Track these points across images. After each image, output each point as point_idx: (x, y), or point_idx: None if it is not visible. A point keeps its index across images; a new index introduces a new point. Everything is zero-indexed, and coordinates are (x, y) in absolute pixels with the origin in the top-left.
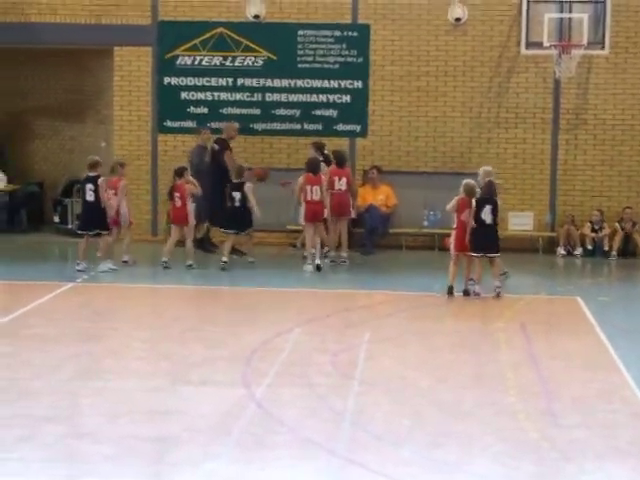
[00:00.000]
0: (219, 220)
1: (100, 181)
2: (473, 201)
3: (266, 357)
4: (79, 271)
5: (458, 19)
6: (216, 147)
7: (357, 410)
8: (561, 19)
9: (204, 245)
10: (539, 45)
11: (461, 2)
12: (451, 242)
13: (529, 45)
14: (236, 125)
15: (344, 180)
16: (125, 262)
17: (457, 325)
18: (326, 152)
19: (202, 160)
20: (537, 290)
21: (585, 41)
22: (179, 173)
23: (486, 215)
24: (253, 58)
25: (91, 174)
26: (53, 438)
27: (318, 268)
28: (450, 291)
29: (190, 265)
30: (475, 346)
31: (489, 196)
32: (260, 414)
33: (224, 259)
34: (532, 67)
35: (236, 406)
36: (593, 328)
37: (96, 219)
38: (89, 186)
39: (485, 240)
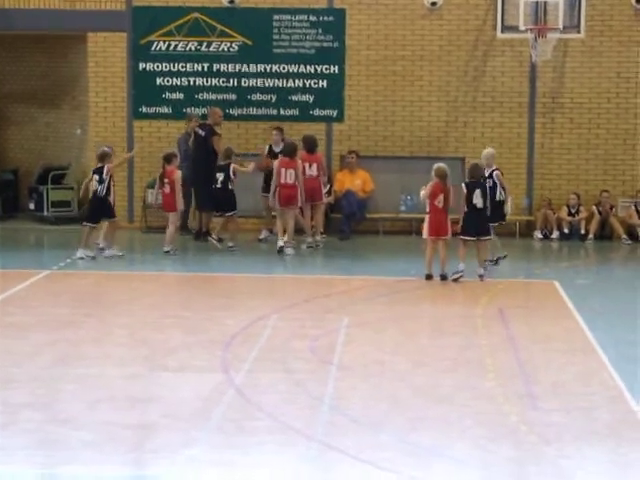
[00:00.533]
0: (206, 204)
1: (107, 169)
2: (463, 185)
3: (245, 343)
4: (82, 258)
5: (434, 3)
6: (202, 133)
7: (335, 395)
8: (537, 3)
9: (200, 236)
10: (515, 29)
11: None
12: (424, 227)
13: (505, 29)
14: (221, 111)
15: (315, 166)
16: (101, 248)
17: (435, 310)
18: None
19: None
20: (515, 274)
21: (561, 25)
22: (168, 159)
23: (477, 199)
24: (228, 43)
25: (99, 165)
26: (32, 425)
27: (280, 250)
28: (428, 278)
29: (167, 251)
30: (453, 331)
31: (477, 180)
32: (239, 400)
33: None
34: (508, 51)
35: (215, 392)
36: (571, 312)
37: (104, 209)
38: (96, 177)
39: (477, 224)
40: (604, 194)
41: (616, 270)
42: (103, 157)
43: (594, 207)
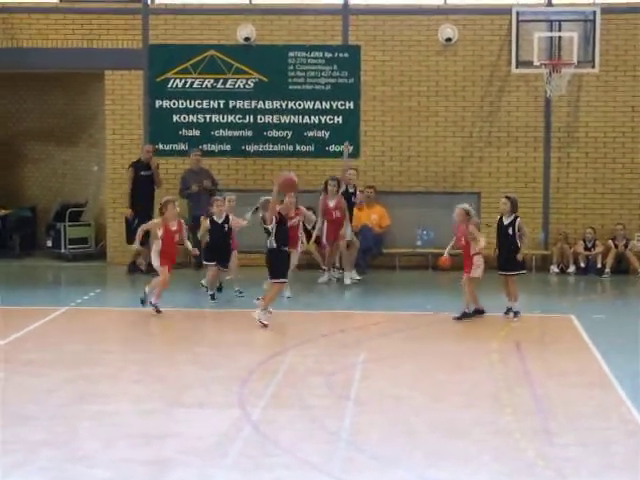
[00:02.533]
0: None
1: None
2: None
3: (261, 379)
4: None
5: (449, 39)
6: (145, 172)
7: (352, 431)
8: (551, 38)
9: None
10: (529, 64)
11: (451, 22)
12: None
13: (519, 64)
14: (150, 147)
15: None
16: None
17: (452, 345)
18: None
19: (188, 184)
20: (531, 308)
21: (575, 59)
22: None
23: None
24: (244, 80)
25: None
26: (49, 463)
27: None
28: (479, 312)
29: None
30: (470, 365)
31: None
32: (256, 436)
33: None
34: (523, 86)
35: (232, 428)
36: (587, 346)
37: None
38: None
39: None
40: (619, 227)
41: (632, 304)
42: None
43: (610, 241)
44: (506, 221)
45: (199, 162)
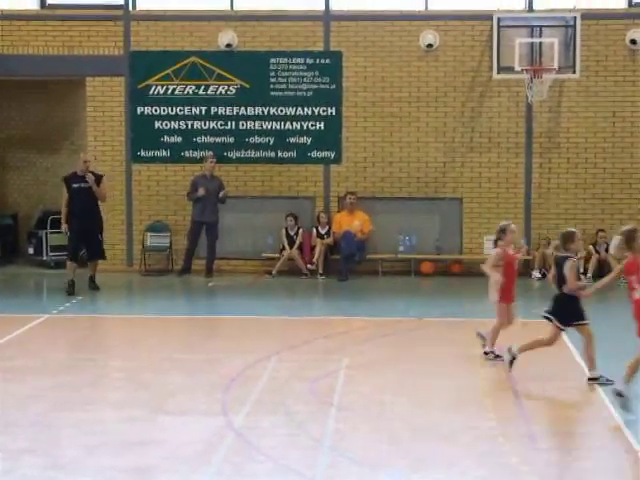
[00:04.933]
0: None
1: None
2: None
3: (244, 385)
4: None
5: (430, 45)
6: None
7: (336, 436)
8: (532, 44)
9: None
10: (511, 69)
11: (432, 28)
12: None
13: (501, 70)
14: (84, 156)
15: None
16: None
17: (435, 350)
18: None
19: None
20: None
21: (556, 65)
22: None
23: None
24: (226, 86)
25: None
26: (31, 470)
27: None
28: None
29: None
30: (453, 371)
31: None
32: (239, 443)
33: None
34: (504, 91)
35: (215, 435)
36: (569, 350)
37: None
38: None
39: None
40: (600, 233)
41: (613, 309)
42: None
43: (591, 247)
44: None
45: (214, 169)
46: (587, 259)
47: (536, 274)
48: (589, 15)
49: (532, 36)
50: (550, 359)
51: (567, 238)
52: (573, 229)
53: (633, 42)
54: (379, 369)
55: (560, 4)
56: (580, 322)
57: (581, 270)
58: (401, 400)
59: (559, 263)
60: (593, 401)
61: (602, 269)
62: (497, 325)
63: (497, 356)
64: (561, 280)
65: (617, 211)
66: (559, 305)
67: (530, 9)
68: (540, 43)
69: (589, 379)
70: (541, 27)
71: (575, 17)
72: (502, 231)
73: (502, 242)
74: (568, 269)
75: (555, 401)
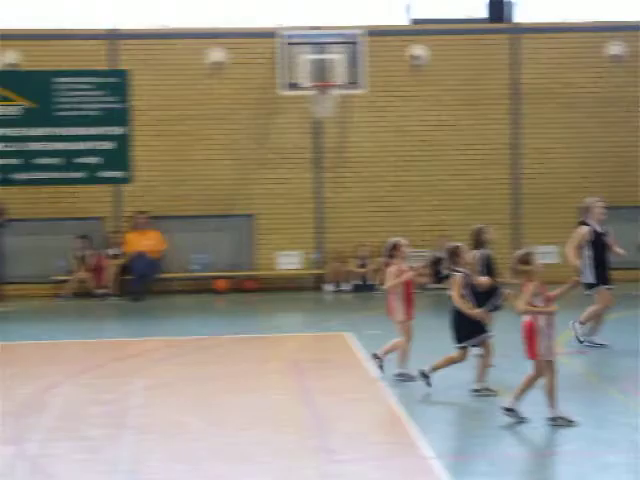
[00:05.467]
0: None
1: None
2: None
3: (38, 412)
4: None
5: (218, 62)
6: None
7: (133, 459)
8: (318, 60)
9: None
10: (298, 86)
11: (220, 46)
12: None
13: (288, 86)
14: None
15: None
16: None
17: (231, 368)
18: None
19: None
20: (308, 328)
21: (342, 81)
22: None
23: None
24: (9, 107)
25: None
26: None
27: None
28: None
29: None
30: (250, 387)
31: None
32: (33, 471)
33: None
34: (293, 108)
35: (7, 465)
36: (364, 362)
37: None
38: None
39: None
40: None
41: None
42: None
43: (382, 258)
44: None
45: None
46: (379, 270)
47: (329, 287)
48: (373, 32)
49: (318, 53)
50: (346, 372)
51: (453, 253)
52: (457, 243)
53: (416, 58)
54: (175, 390)
55: (345, 21)
56: (465, 344)
57: (373, 282)
58: (199, 419)
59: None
60: (388, 411)
61: None
62: (403, 344)
63: (409, 377)
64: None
65: (406, 223)
66: (451, 322)
67: (315, 26)
68: (326, 59)
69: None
70: (327, 44)
71: (359, 34)
72: (394, 248)
73: (396, 259)
74: (452, 286)
75: (350, 413)
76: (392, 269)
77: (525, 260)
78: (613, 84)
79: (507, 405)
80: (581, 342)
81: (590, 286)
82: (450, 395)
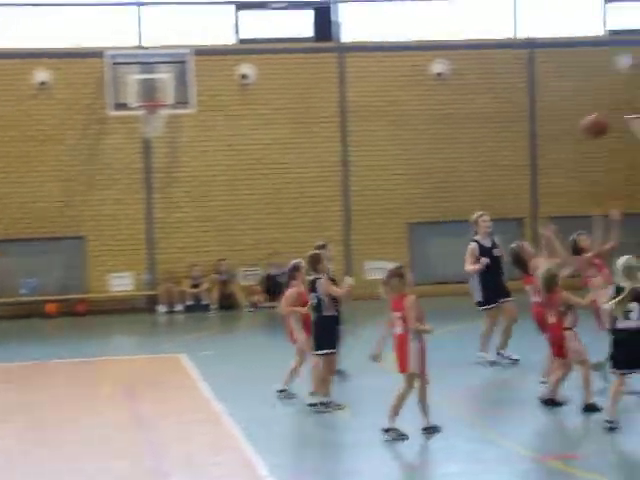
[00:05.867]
0: None
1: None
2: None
3: None
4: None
5: (43, 82)
6: None
7: None
8: (146, 80)
9: None
10: (126, 106)
11: (44, 66)
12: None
13: (117, 106)
14: None
15: None
16: None
17: (63, 393)
18: None
19: None
20: (141, 350)
21: (171, 100)
22: None
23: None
24: None
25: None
26: None
27: None
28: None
29: None
30: (82, 413)
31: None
32: None
33: None
34: (121, 128)
35: None
36: (198, 382)
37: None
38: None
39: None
40: (222, 262)
41: (239, 338)
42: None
43: (215, 275)
44: None
45: None
46: (212, 289)
47: (162, 308)
48: (201, 51)
49: (146, 72)
50: (181, 394)
51: (314, 260)
52: (317, 251)
53: (244, 77)
54: (5, 417)
55: (173, 40)
56: (321, 352)
57: (206, 301)
58: (27, 448)
59: (313, 285)
60: (223, 431)
61: (229, 299)
62: (298, 364)
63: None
64: (320, 303)
65: (237, 242)
66: (314, 329)
67: (141, 46)
68: (154, 79)
69: (315, 403)
70: (154, 63)
71: (187, 53)
72: (294, 269)
73: (295, 281)
74: (322, 286)
75: (186, 435)
76: (292, 292)
77: (400, 274)
78: (438, 102)
79: (386, 426)
80: (509, 358)
81: (480, 304)
82: (288, 411)
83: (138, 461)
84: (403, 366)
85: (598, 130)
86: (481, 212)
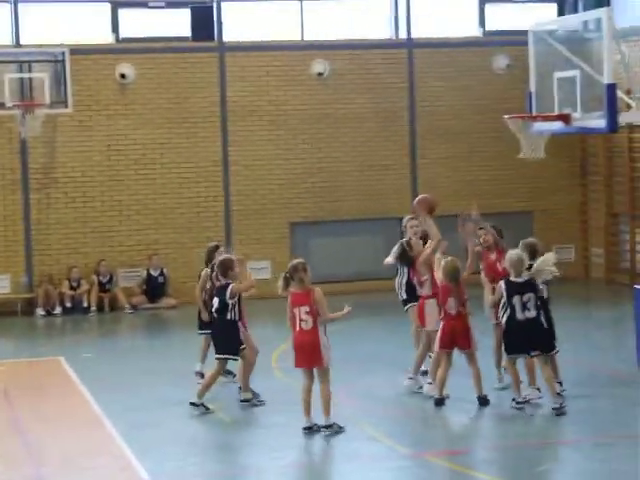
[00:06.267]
0: None
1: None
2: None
3: None
4: None
5: None
6: None
7: None
8: (22, 79)
9: None
10: (2, 105)
11: None
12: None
13: None
14: None
15: None
16: None
17: None
18: None
19: None
20: (18, 354)
21: (47, 100)
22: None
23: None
24: None
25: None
26: None
27: None
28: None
29: None
30: None
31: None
32: None
33: None
34: None
35: None
36: (77, 386)
37: None
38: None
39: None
40: (102, 263)
41: (119, 340)
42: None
43: (94, 277)
44: None
45: None
46: (91, 291)
47: (40, 311)
48: (78, 50)
49: (22, 71)
50: (60, 398)
51: (226, 266)
52: (230, 256)
53: (123, 76)
54: None
55: (49, 39)
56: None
57: (85, 304)
58: None
59: (221, 292)
60: (102, 435)
61: (105, 299)
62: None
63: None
64: (224, 308)
65: (117, 243)
66: (218, 332)
67: (17, 44)
68: (30, 78)
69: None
70: (30, 62)
71: (64, 52)
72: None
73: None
74: (231, 292)
75: (64, 439)
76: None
77: (305, 268)
78: (319, 101)
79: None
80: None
81: (404, 303)
82: (171, 413)
83: (15, 467)
84: (318, 361)
85: (428, 207)
86: (409, 216)
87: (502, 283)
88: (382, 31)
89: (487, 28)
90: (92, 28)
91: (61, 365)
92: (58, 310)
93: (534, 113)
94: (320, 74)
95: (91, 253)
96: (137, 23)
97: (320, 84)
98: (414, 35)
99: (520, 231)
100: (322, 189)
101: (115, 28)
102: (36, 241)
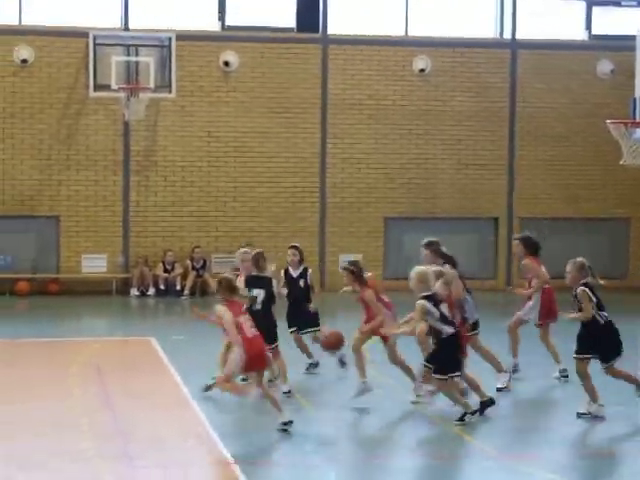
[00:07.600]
0: None
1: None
2: None
3: None
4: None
5: (24, 60)
6: None
7: None
8: (128, 62)
9: None
10: (107, 88)
11: (26, 43)
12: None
13: (97, 88)
14: None
15: None
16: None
17: (27, 373)
18: None
19: None
20: (112, 332)
21: (152, 84)
22: None
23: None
24: None
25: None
26: None
27: None
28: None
29: None
30: (46, 393)
31: None
32: None
33: None
34: (101, 109)
35: None
36: (167, 367)
37: None
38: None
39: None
40: (196, 250)
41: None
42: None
43: (188, 262)
44: (295, 273)
45: None
46: (185, 275)
47: (135, 292)
48: (184, 36)
49: (128, 55)
50: (149, 378)
51: (259, 258)
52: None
53: (226, 64)
54: None
55: (156, 24)
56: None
57: (178, 287)
58: None
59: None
60: (189, 417)
61: (199, 284)
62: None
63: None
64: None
65: (213, 229)
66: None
67: (126, 28)
68: (137, 62)
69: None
70: (137, 46)
71: (170, 37)
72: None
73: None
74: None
75: (153, 419)
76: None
77: (360, 266)
78: (419, 97)
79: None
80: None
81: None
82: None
83: (103, 443)
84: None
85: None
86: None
87: None
88: (486, 30)
89: (593, 32)
90: (199, 14)
91: (152, 345)
92: (152, 291)
93: (638, 119)
94: (422, 70)
95: (186, 237)
96: (243, 11)
97: (421, 80)
98: (518, 36)
99: (616, 237)
100: (418, 185)
101: (222, 16)
102: (134, 223)
